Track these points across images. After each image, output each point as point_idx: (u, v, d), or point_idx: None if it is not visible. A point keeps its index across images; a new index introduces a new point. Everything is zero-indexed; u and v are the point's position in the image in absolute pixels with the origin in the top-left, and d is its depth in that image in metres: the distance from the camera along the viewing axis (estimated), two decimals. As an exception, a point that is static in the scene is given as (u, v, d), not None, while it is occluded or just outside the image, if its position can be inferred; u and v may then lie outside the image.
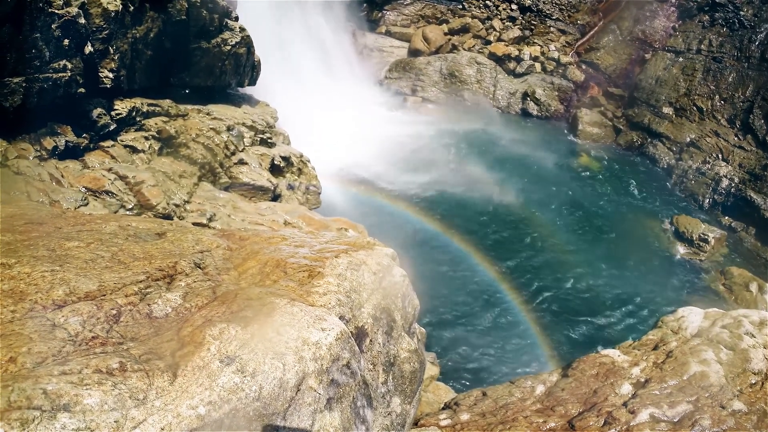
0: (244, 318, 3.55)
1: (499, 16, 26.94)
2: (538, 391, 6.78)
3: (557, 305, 14.76)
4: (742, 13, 22.70)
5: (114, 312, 3.48)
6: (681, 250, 17.81)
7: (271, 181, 12.05)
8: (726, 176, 20.12)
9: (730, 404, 5.89)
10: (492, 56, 25.76)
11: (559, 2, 26.97)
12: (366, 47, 25.72)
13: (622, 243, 17.76)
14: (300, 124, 15.97)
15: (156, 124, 10.62)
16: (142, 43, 10.44)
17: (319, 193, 13.92)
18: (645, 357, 6.92)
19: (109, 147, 9.65)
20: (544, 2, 26.88)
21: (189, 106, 11.83)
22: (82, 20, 8.72)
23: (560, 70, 25.62)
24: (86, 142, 9.31)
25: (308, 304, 3.96)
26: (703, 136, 21.59)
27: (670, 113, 22.87)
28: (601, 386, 6.47)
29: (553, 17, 26.88)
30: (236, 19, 13.19)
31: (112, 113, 9.89)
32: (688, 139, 21.79)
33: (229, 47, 12.70)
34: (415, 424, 6.39)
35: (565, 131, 24.15)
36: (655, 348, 7.11)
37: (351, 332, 4.13)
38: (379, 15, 26.86)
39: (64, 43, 8.45)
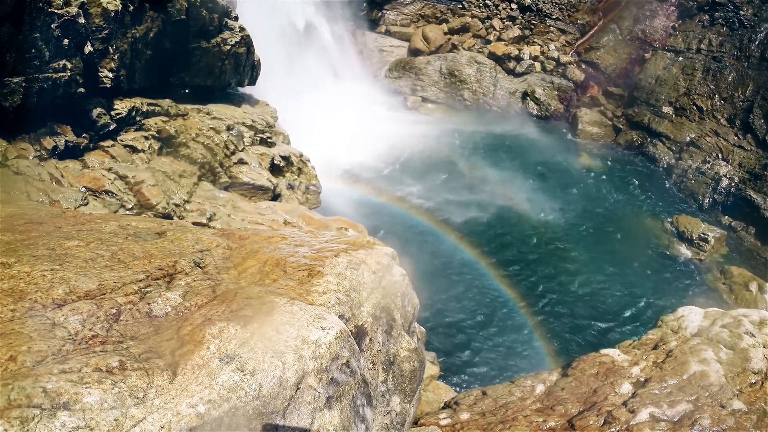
0: (244, 317, 3.55)
1: (499, 16, 26.95)
2: (538, 391, 6.78)
3: (557, 304, 14.76)
4: (742, 12, 22.70)
5: (114, 311, 3.48)
6: (681, 249, 17.81)
7: (270, 181, 12.05)
8: (726, 176, 20.12)
9: (729, 403, 5.89)
10: (492, 56, 25.76)
11: (558, 2, 26.97)
12: (366, 47, 25.73)
13: (622, 242, 17.77)
14: (300, 123, 15.97)
15: (156, 123, 10.62)
16: (142, 43, 10.44)
17: (319, 193, 13.93)
18: (645, 356, 6.92)
19: (108, 147, 9.65)
20: (543, 2, 26.88)
21: (189, 106, 11.83)
22: (82, 20, 8.72)
23: (560, 70, 25.62)
24: (86, 141, 9.31)
25: (308, 303, 3.96)
26: (703, 135, 21.59)
27: (670, 113, 22.87)
28: (601, 385, 6.47)
29: (553, 17, 26.87)
30: (236, 18, 13.19)
31: (112, 113, 9.89)
32: (688, 139, 21.79)
33: (228, 47, 12.70)
34: (415, 423, 6.39)
35: (565, 131, 24.16)
36: (655, 347, 7.12)
37: (351, 331, 4.13)
38: (379, 14, 26.86)
39: (64, 43, 8.45)
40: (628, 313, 14.78)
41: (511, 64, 25.69)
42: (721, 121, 21.58)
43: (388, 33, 26.64)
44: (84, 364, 2.87)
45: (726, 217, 19.59)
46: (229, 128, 12.04)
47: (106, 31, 9.42)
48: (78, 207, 7.94)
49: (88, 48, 9.00)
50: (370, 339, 4.53)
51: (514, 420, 6.08)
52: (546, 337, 13.67)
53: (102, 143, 9.62)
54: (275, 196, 12.12)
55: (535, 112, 24.68)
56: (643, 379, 6.43)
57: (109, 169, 9.13)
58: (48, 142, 8.62)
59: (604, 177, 21.37)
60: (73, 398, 2.64)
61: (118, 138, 9.96)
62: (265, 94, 14.85)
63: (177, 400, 2.86)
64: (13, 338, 3.00)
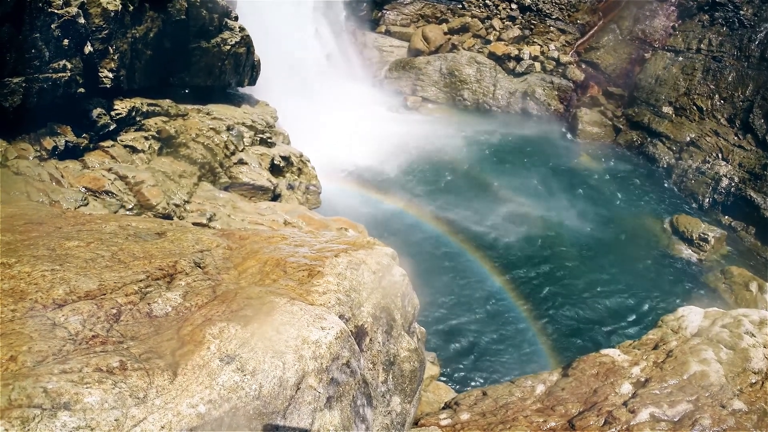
0: (244, 317, 3.55)
1: (499, 16, 26.95)
2: (538, 391, 6.78)
3: (557, 304, 14.76)
4: (741, 12, 22.70)
5: (114, 311, 3.48)
6: (681, 249, 17.81)
7: (270, 181, 12.05)
8: (726, 176, 20.12)
9: (730, 403, 5.89)
10: (492, 56, 25.77)
11: (558, 2, 26.97)
12: (366, 47, 25.74)
13: (622, 242, 17.77)
14: (300, 123, 15.97)
15: (156, 123, 10.62)
16: (142, 43, 10.44)
17: (319, 193, 13.93)
18: (645, 356, 6.92)
19: (108, 147, 9.65)
20: (543, 2, 26.88)
21: (189, 106, 11.83)
22: (82, 20, 8.72)
23: (560, 70, 25.62)
24: (86, 142, 9.32)
25: (308, 303, 3.96)
26: (703, 135, 21.59)
27: (670, 113, 22.88)
28: (602, 386, 6.47)
29: (553, 17, 26.88)
30: (236, 18, 13.19)
31: (112, 113, 9.90)
32: (688, 139, 21.79)
33: (228, 47, 12.70)
34: (415, 423, 6.39)
35: (565, 131, 24.16)
36: (655, 347, 7.11)
37: (351, 331, 4.13)
38: (379, 14, 26.87)
39: (64, 43, 8.45)
40: (628, 313, 14.78)
41: (511, 64, 25.70)
42: (721, 121, 21.58)
43: (388, 33, 26.64)
44: (84, 365, 2.87)
45: (726, 217, 19.59)
46: (229, 128, 12.04)
47: (106, 31, 9.43)
48: (78, 207, 7.94)
49: (88, 48, 9.01)
50: (371, 339, 4.53)
51: (514, 420, 6.08)
52: (546, 337, 13.68)
53: (102, 143, 9.63)
54: (275, 197, 12.12)
55: (535, 112, 24.68)
56: (643, 379, 6.43)
57: (109, 170, 9.13)
58: (48, 143, 8.62)
59: (604, 177, 21.37)
60: (74, 398, 2.64)
61: (118, 138, 9.97)
62: (265, 95, 14.85)
63: (177, 400, 2.86)
64: (13, 338, 3.00)
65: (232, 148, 11.87)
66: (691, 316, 7.57)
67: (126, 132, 10.16)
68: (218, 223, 9.69)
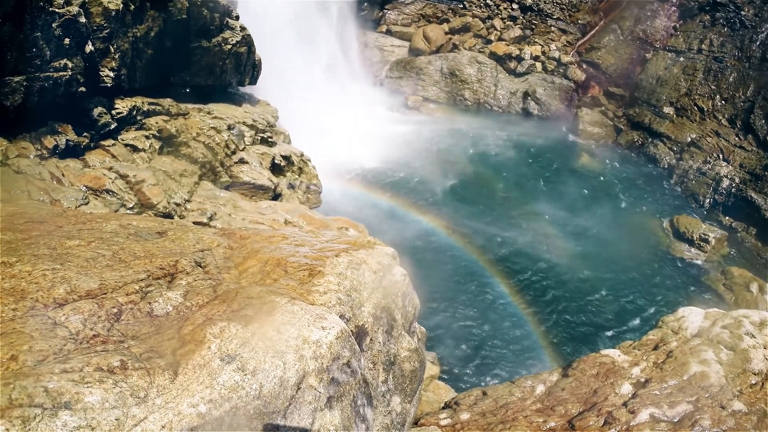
0: (245, 316, 3.56)
1: (500, 16, 26.94)
2: (538, 391, 6.78)
3: (558, 305, 14.76)
4: (743, 12, 22.69)
5: (115, 310, 3.49)
6: (681, 250, 17.81)
7: (271, 180, 12.05)
8: (727, 176, 20.11)
9: (730, 404, 5.89)
10: (493, 56, 25.76)
11: (560, 2, 26.96)
12: (367, 46, 25.73)
13: (623, 243, 17.76)
14: (301, 123, 15.97)
15: (157, 123, 10.62)
16: (143, 42, 10.44)
17: (320, 192, 13.92)
18: (645, 357, 6.92)
19: (109, 146, 9.65)
20: (545, 2, 26.87)
21: (190, 105, 11.83)
22: (83, 19, 8.72)
23: (561, 70, 25.61)
24: (87, 141, 9.32)
25: (309, 303, 3.96)
26: (704, 136, 21.58)
27: (671, 113, 22.87)
28: (602, 386, 6.47)
29: (554, 17, 26.86)
30: (237, 18, 13.19)
31: (113, 112, 9.90)
32: (689, 139, 21.78)
33: (229, 46, 12.70)
34: (416, 423, 6.39)
35: (566, 131, 24.15)
36: (656, 348, 7.11)
37: (351, 331, 4.13)
38: (380, 14, 26.86)
39: (65, 42, 8.45)
40: (628, 314, 14.77)
41: (512, 64, 25.69)
42: (722, 121, 21.57)
43: (389, 33, 26.63)
44: (85, 364, 2.87)
45: (727, 217, 19.58)
46: (229, 127, 12.04)
47: (107, 31, 9.43)
48: (79, 206, 7.94)
49: (89, 47, 9.01)
50: (371, 339, 4.53)
51: (514, 420, 6.08)
52: (546, 337, 13.68)
53: (103, 142, 9.62)
54: (276, 196, 12.12)
55: (536, 112, 24.67)
56: (643, 380, 6.43)
57: (110, 169, 9.14)
58: (49, 141, 8.63)
59: (604, 177, 21.36)
60: (75, 398, 2.65)
61: (119, 137, 9.97)
62: (266, 94, 14.85)
63: (178, 400, 2.86)
64: (14, 338, 3.00)
65: (232, 147, 11.87)
66: (692, 316, 7.57)
67: (127, 131, 10.16)
68: (219, 222, 9.70)
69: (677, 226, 18.43)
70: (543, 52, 26.08)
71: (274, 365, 3.28)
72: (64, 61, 8.51)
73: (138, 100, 10.44)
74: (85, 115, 9.36)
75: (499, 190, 19.47)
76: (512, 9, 27.02)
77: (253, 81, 14.01)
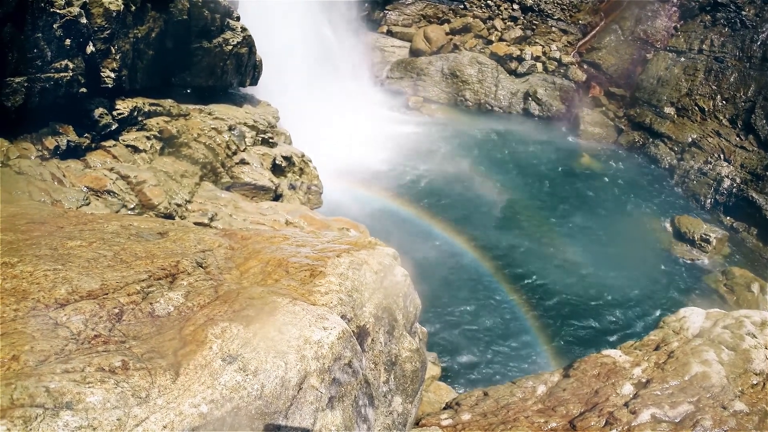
0: (246, 317, 3.56)
1: (501, 16, 26.94)
2: (539, 391, 6.78)
3: (559, 305, 14.75)
4: (744, 12, 22.68)
5: (116, 311, 3.49)
6: (682, 250, 17.80)
7: (272, 181, 12.05)
8: (728, 176, 20.10)
9: (731, 405, 5.89)
10: (493, 56, 25.75)
11: (560, 2, 26.96)
12: (367, 47, 25.73)
13: (624, 243, 17.74)
14: (301, 123, 15.97)
15: (158, 123, 10.63)
16: (144, 43, 10.45)
17: (321, 193, 13.93)
18: (646, 357, 6.92)
19: (110, 147, 9.66)
20: (545, 2, 26.87)
21: (190, 106, 11.84)
22: (84, 20, 8.73)
23: (562, 70, 25.61)
24: (88, 141, 9.33)
25: (310, 303, 3.96)
26: (705, 136, 21.57)
27: (672, 113, 22.86)
28: (603, 386, 6.46)
29: (555, 17, 26.86)
30: (238, 18, 13.20)
31: (114, 113, 9.90)
32: (690, 139, 21.77)
33: (230, 47, 12.71)
34: (417, 423, 6.39)
35: (567, 131, 24.14)
36: (657, 348, 7.11)
37: (353, 331, 4.13)
38: (381, 14, 26.86)
39: (66, 43, 8.46)
40: (629, 314, 14.76)
41: (513, 65, 25.68)
42: (723, 121, 21.56)
43: (389, 33, 26.64)
44: (87, 364, 2.87)
45: (728, 217, 19.56)
46: (230, 128, 12.05)
47: (108, 31, 9.44)
48: (80, 207, 7.95)
49: (90, 48, 9.02)
50: (372, 339, 4.53)
51: (515, 421, 6.07)
52: (547, 337, 13.67)
53: (104, 143, 9.63)
54: (277, 197, 12.12)
55: (536, 112, 24.67)
56: (644, 380, 6.43)
57: (111, 169, 9.14)
58: (50, 142, 8.63)
59: (605, 177, 21.35)
60: (76, 398, 2.65)
61: (120, 138, 9.98)
62: (267, 95, 14.85)
63: (179, 400, 2.86)
64: (15, 338, 3.00)
65: (233, 148, 11.88)
66: (693, 317, 7.56)
67: (128, 132, 10.16)
68: (220, 222, 9.70)
69: (678, 227, 18.42)
70: (544, 53, 26.08)
71: (275, 365, 3.28)
72: (65, 61, 8.52)
73: (139, 101, 10.45)
74: (86, 116, 9.37)
75: (498, 190, 19.46)
76: (513, 9, 27.02)
77: (254, 82, 14.01)
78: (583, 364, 7.02)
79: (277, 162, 12.89)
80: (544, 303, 14.78)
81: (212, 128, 11.66)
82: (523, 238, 17.24)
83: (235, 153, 11.90)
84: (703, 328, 7.27)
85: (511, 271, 15.76)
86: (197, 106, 12.05)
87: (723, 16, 23.21)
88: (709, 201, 20.16)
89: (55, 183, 8.18)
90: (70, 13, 8.41)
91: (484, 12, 26.94)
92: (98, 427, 2.58)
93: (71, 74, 8.64)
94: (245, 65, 13.37)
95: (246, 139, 12.41)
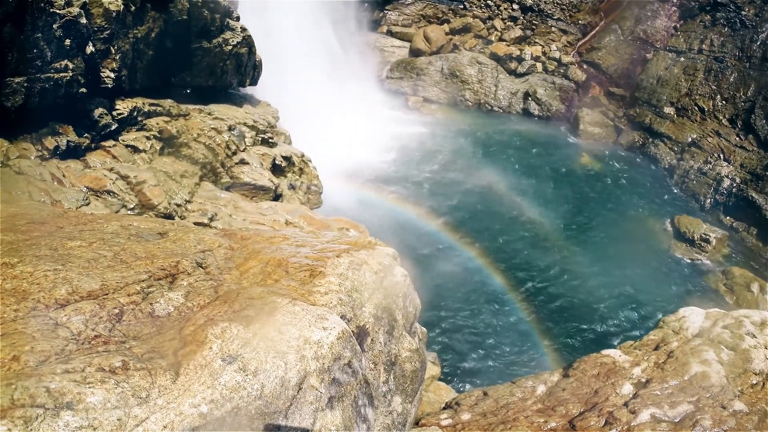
0: (246, 317, 3.56)
1: (501, 16, 26.94)
2: (539, 391, 6.78)
3: (558, 305, 14.76)
4: (743, 12, 22.68)
5: (116, 311, 3.49)
6: (682, 250, 17.80)
7: (272, 181, 12.06)
8: (727, 176, 20.11)
9: (731, 404, 5.89)
10: (493, 56, 25.75)
11: (560, 2, 26.96)
12: (367, 47, 25.72)
13: (623, 243, 17.75)
14: (301, 123, 15.97)
15: (157, 123, 10.63)
16: (144, 43, 10.45)
17: (321, 193, 13.93)
18: (646, 357, 6.92)
19: (110, 147, 9.66)
20: (545, 2, 26.87)
21: (190, 106, 11.84)
22: (84, 20, 8.73)
23: (561, 70, 25.61)
24: (88, 141, 9.33)
25: (310, 304, 3.96)
26: (705, 136, 21.57)
27: (672, 113, 22.86)
28: (602, 386, 6.47)
29: (555, 17, 26.87)
30: (237, 18, 13.20)
31: (114, 113, 9.91)
32: (690, 139, 21.78)
33: (230, 47, 12.71)
34: (417, 423, 6.39)
35: (567, 131, 24.14)
36: (656, 348, 7.11)
37: (352, 331, 4.13)
38: (381, 15, 26.86)
39: (66, 43, 8.46)
40: (629, 314, 14.76)
41: (513, 65, 25.68)
42: (723, 121, 21.56)
43: (389, 33, 26.64)
44: (87, 364, 2.88)
45: (727, 217, 19.57)
46: (230, 128, 12.05)
47: (107, 32, 9.44)
48: (80, 207, 7.95)
49: (90, 48, 9.02)
50: (372, 339, 4.53)
51: (515, 420, 6.08)
52: (547, 337, 13.67)
53: (104, 143, 9.63)
54: (277, 197, 12.13)
55: (536, 112, 24.67)
56: (644, 380, 6.43)
57: (111, 169, 9.15)
58: (50, 142, 8.64)
59: (605, 177, 21.36)
60: (77, 398, 2.65)
61: (120, 138, 9.98)
62: (267, 95, 14.86)
63: (180, 400, 2.87)
64: (16, 338, 3.00)
65: (233, 148, 11.88)
66: (693, 316, 7.57)
67: (128, 132, 10.17)
68: (220, 223, 9.70)
69: (678, 227, 18.42)
70: (543, 53, 26.08)
71: (275, 365, 3.28)
72: (65, 62, 8.52)
73: (139, 101, 10.45)
74: (85, 116, 9.37)
75: (498, 189, 19.46)
76: (513, 9, 27.03)
77: (254, 82, 14.02)
78: (582, 363, 7.03)
79: (276, 162, 12.89)
80: (544, 302, 14.79)
81: (212, 128, 11.67)
82: (523, 238, 17.25)
83: (234, 153, 11.90)
84: (703, 327, 7.28)
85: (511, 270, 15.77)
86: (197, 106, 12.05)
87: (723, 16, 23.21)
88: (708, 201, 20.16)
89: (55, 183, 8.18)
90: (70, 13, 8.41)
91: (483, 12, 26.94)
92: (99, 427, 2.59)
93: (71, 74, 8.64)
94: (245, 65, 13.37)
95: (246, 139, 12.41)
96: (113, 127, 9.84)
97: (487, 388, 7.21)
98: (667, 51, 24.32)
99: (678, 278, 16.59)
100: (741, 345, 6.77)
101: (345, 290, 4.31)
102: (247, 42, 13.16)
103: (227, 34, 12.66)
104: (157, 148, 10.44)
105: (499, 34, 26.57)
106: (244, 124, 12.67)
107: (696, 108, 22.33)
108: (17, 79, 7.92)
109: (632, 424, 5.67)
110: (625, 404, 6.00)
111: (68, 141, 8.89)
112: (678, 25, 24.66)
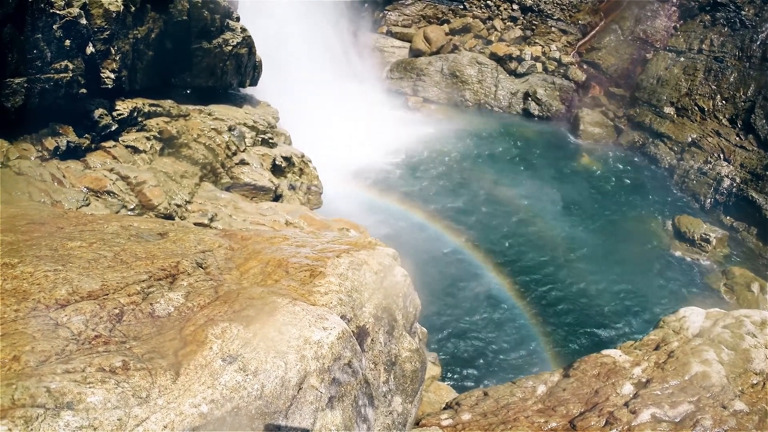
0: (246, 317, 3.56)
1: (501, 16, 26.95)
2: (539, 391, 6.78)
3: (559, 305, 14.76)
4: (743, 12, 22.68)
5: (117, 311, 3.49)
6: (682, 250, 17.80)
7: (272, 182, 12.06)
8: (727, 176, 20.10)
9: (731, 404, 5.89)
10: (493, 56, 25.76)
11: (560, 2, 26.96)
12: (367, 47, 25.73)
13: (624, 243, 17.75)
14: (301, 124, 15.97)
15: (157, 124, 10.63)
16: (144, 44, 10.45)
17: (321, 193, 13.93)
18: (646, 357, 6.92)
19: (110, 147, 9.67)
20: (545, 2, 26.87)
21: (190, 107, 11.84)
22: (84, 21, 8.74)
23: (561, 70, 25.61)
24: (88, 142, 9.33)
25: (310, 304, 3.97)
26: (705, 136, 21.57)
27: (672, 113, 22.86)
28: (603, 386, 6.47)
29: (555, 17, 26.87)
30: (237, 19, 13.20)
31: (114, 113, 9.91)
32: (690, 139, 21.78)
33: (230, 47, 12.71)
34: (417, 423, 6.39)
35: (567, 131, 24.14)
36: (657, 348, 7.11)
37: (352, 331, 4.13)
38: (381, 15, 26.87)
39: (66, 44, 8.46)
40: (629, 314, 14.77)
41: (513, 65, 25.69)
42: (723, 121, 21.56)
43: (389, 34, 26.64)
44: (87, 364, 2.88)
45: (728, 217, 19.56)
46: (230, 129, 12.05)
47: (107, 32, 9.44)
48: (80, 207, 7.95)
49: (90, 49, 9.02)
50: (372, 339, 4.53)
51: (515, 421, 6.08)
52: (547, 337, 13.67)
53: (104, 144, 9.64)
54: (277, 197, 12.13)
55: (536, 112, 24.67)
56: (644, 380, 6.43)
57: (111, 170, 9.15)
58: (50, 143, 8.64)
59: (605, 178, 21.36)
60: (77, 398, 2.65)
61: (120, 138, 9.98)
62: (267, 95, 14.86)
63: (180, 400, 2.87)
64: (16, 338, 3.01)
65: (233, 148, 11.89)
66: (693, 316, 7.56)
67: (128, 132, 10.17)
68: (220, 223, 9.70)
69: (678, 226, 18.42)
70: (543, 53, 26.08)
71: (275, 365, 3.28)
72: (65, 62, 8.52)
73: (139, 102, 10.45)
74: (85, 117, 9.38)
75: (498, 190, 19.47)
76: (512, 10, 27.03)
77: (254, 82, 14.02)
78: (583, 364, 7.02)
79: (276, 162, 12.89)
80: (544, 302, 14.79)
81: (212, 129, 11.67)
82: (524, 238, 17.25)
83: (234, 153, 11.90)
84: (703, 327, 7.27)
85: (511, 270, 15.77)
86: (197, 107, 12.06)
87: (723, 15, 23.21)
88: (708, 201, 20.16)
89: (55, 184, 8.18)
90: (70, 14, 8.41)
91: (483, 12, 26.94)
92: (99, 427, 2.59)
93: (71, 75, 8.64)
94: (245, 66, 13.38)
95: (246, 140, 12.41)
96: (113, 128, 9.84)
97: (488, 388, 7.21)
98: (667, 51, 24.32)
99: (678, 278, 16.59)
100: (741, 345, 6.77)
101: (345, 290, 4.31)
102: (247, 42, 13.17)
103: (227, 35, 12.66)
104: (157, 148, 10.45)
105: (499, 34, 26.57)
106: (244, 124, 12.67)
107: (696, 108, 22.33)
108: (17, 80, 7.92)
109: (633, 424, 5.67)
110: (626, 404, 6.00)
111: (68, 141, 8.90)
112: (678, 25, 24.67)
